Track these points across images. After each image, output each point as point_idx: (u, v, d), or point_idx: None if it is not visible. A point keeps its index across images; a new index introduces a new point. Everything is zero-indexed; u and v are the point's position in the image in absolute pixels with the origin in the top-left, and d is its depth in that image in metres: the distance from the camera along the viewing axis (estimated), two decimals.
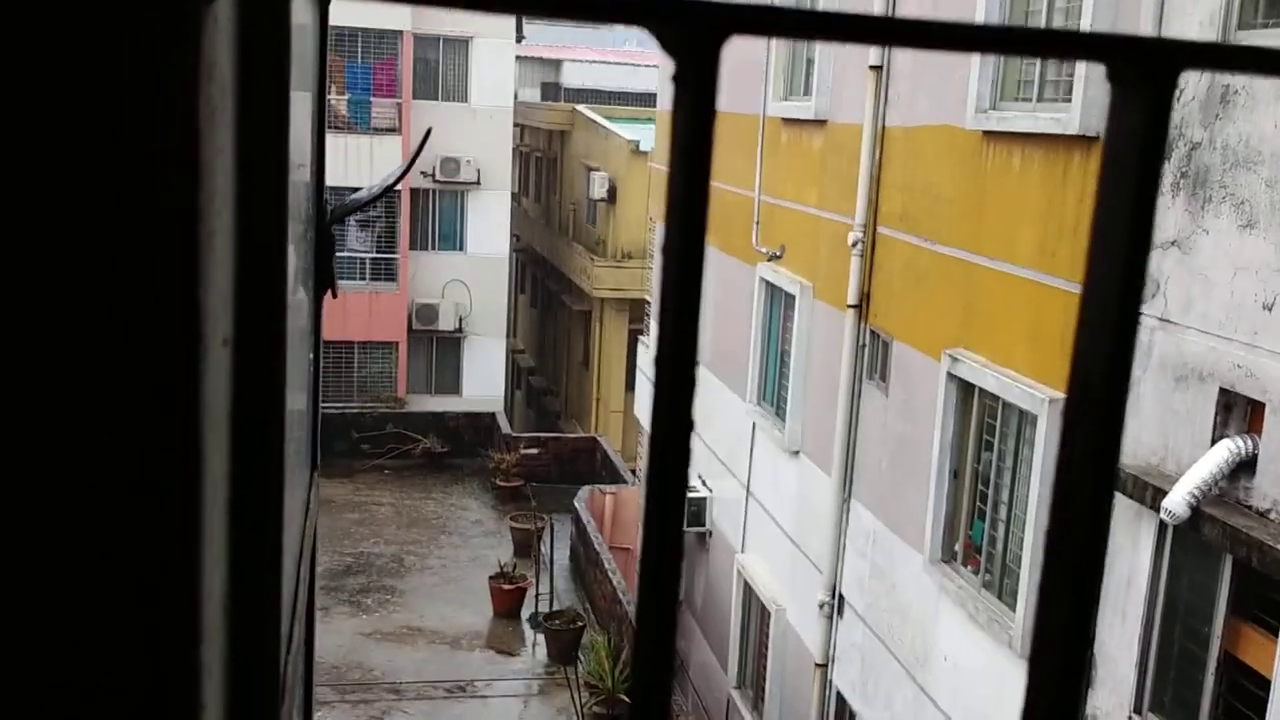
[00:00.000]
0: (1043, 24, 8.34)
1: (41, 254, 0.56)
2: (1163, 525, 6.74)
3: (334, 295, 1.92)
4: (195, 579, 0.64)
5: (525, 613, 17.95)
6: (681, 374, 0.47)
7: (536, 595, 17.75)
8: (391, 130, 25.75)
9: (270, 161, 0.86)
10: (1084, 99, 7.53)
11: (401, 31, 25.53)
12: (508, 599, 17.95)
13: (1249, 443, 6.25)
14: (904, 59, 10.23)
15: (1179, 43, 0.50)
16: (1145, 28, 7.01)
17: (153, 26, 0.55)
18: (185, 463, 0.62)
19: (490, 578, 18.24)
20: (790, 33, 0.48)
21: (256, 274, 0.85)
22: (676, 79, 0.44)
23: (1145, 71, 0.49)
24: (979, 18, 8.78)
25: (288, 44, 0.90)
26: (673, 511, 0.49)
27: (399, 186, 25.23)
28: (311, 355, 1.82)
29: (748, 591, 13.70)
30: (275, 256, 0.87)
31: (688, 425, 0.47)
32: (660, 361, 0.47)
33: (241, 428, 0.86)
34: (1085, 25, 7.55)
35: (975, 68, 8.86)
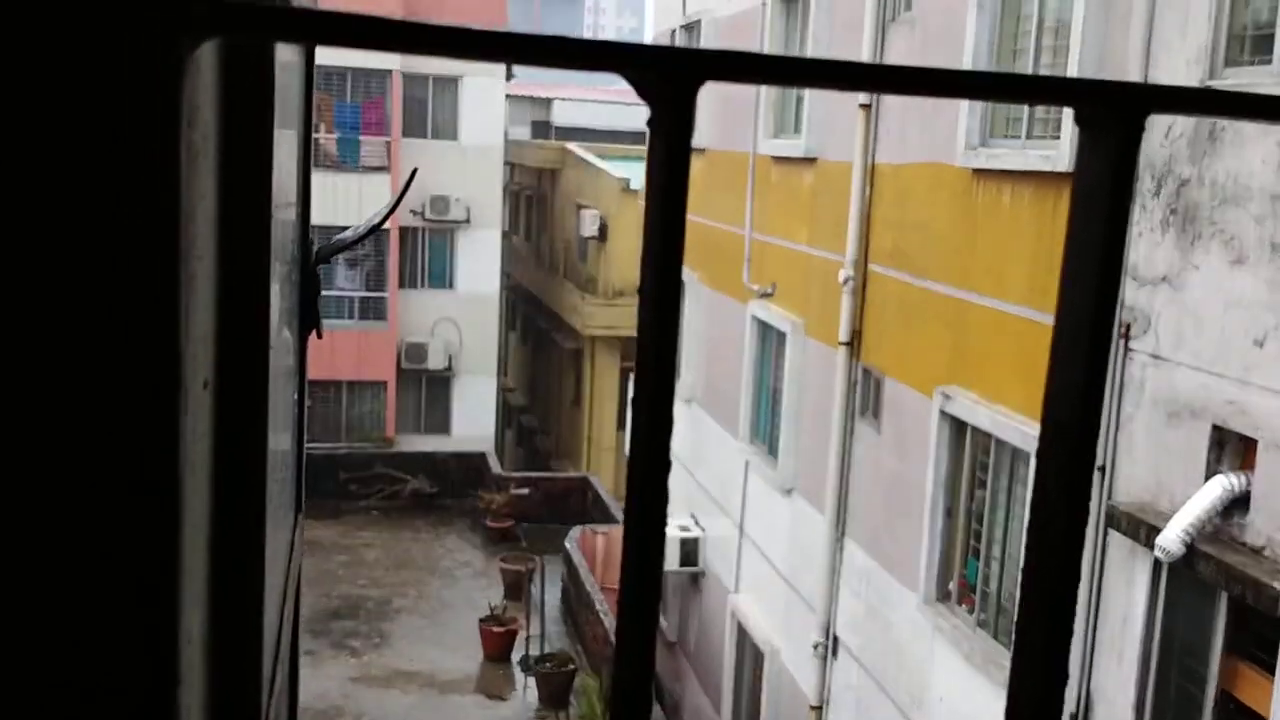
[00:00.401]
0: (1030, 62, 8.40)
1: (18, 298, 0.56)
2: (1158, 563, 6.71)
3: (319, 336, 1.89)
4: (173, 622, 0.63)
5: (516, 656, 17.80)
6: (659, 413, 0.48)
7: (527, 638, 17.61)
8: (381, 169, 25.82)
9: (253, 204, 0.84)
10: (1073, 136, 7.57)
11: (391, 70, 25.67)
12: (498, 642, 17.80)
13: (1242, 479, 6.24)
14: (893, 99, 10.29)
15: (1145, 86, 0.52)
16: (1133, 65, 7.07)
17: (135, 73, 0.55)
18: (163, 506, 0.62)
19: (480, 620, 18.10)
20: (761, 78, 0.50)
21: (239, 316, 0.82)
22: (651, 124, 0.46)
23: (1112, 115, 0.50)
24: (967, 56, 8.84)
25: (271, 89, 0.88)
26: (652, 553, 0.49)
27: (387, 225, 25.28)
28: (296, 396, 1.79)
29: (741, 632, 13.60)
30: (258, 298, 0.85)
31: (665, 463, 0.50)
32: (638, 401, 0.48)
33: (223, 470, 0.83)
34: (1073, 62, 7.61)
35: (964, 105, 8.91)
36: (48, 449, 0.57)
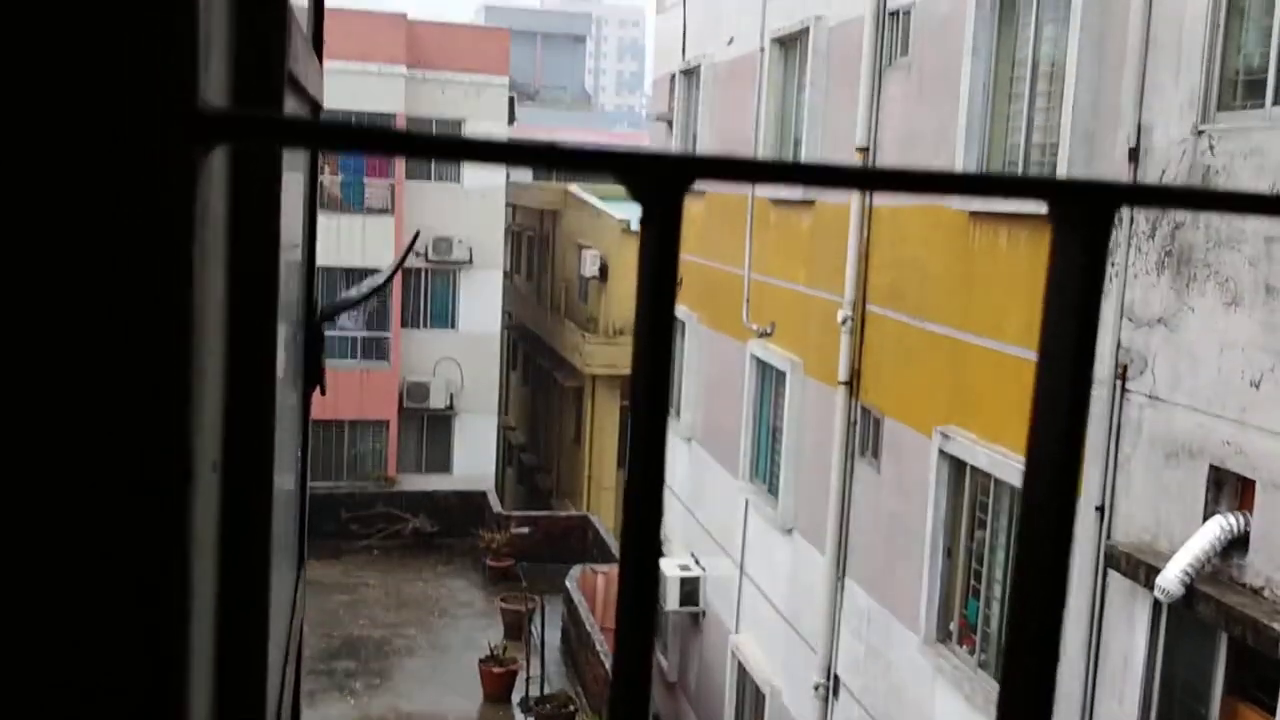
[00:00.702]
0: (1025, 106, 8.48)
1: (32, 395, 0.57)
2: (1157, 603, 6.70)
3: (323, 393, 1.93)
4: (181, 701, 0.63)
5: (516, 696, 17.70)
6: (649, 518, 0.49)
7: (527, 678, 17.52)
8: (384, 211, 25.96)
9: (260, 285, 0.87)
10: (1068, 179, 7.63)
11: (395, 114, 25.86)
12: (498, 682, 17.70)
13: (1240, 519, 6.25)
14: (890, 140, 10.38)
15: (1115, 184, 0.54)
16: (1126, 109, 7.14)
17: (146, 183, 0.56)
18: (171, 592, 0.63)
19: (480, 660, 18.01)
20: (744, 178, 0.53)
21: (246, 398, 0.86)
22: (643, 222, 0.48)
23: (1083, 210, 0.52)
24: (963, 99, 8.93)
25: (278, 191, 0.92)
26: (647, 590, 0.51)
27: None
28: (299, 453, 1.83)
29: (742, 673, 13.53)
30: (264, 381, 0.88)
31: (656, 554, 0.49)
32: (629, 493, 0.49)
33: (229, 547, 0.86)
34: (1067, 106, 7.69)
35: (960, 148, 8.99)
36: (60, 539, 0.58)
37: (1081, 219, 0.52)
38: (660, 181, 0.49)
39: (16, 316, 0.56)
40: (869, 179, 0.55)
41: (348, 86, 24.70)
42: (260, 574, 0.93)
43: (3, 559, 0.58)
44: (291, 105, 1.30)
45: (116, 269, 0.57)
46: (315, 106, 1.77)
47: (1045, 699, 0.52)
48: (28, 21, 0.54)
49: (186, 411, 0.59)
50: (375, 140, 0.59)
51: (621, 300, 25.84)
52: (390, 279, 2.59)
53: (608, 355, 25.77)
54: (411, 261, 26.23)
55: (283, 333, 1.61)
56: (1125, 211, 7.10)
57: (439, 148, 0.54)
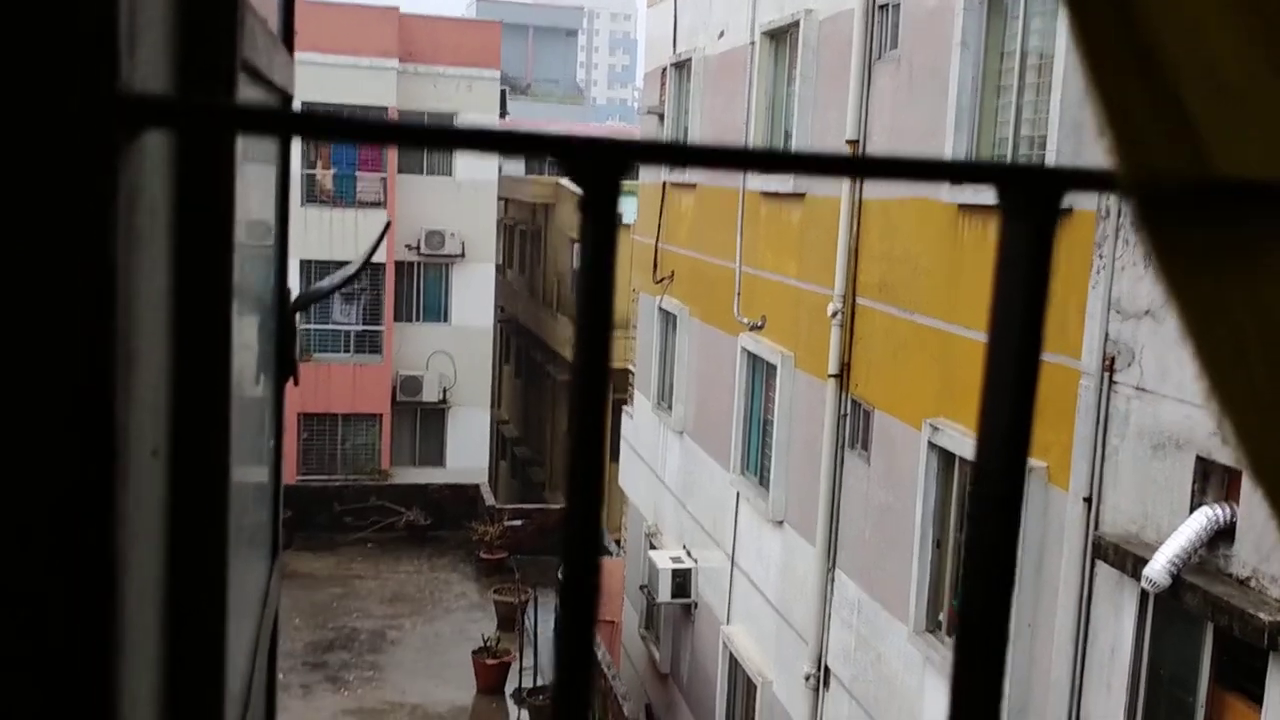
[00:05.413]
0: (1014, 98, 8.49)
1: None
2: (1144, 594, 6.73)
3: (295, 383, 1.93)
4: (110, 696, 0.61)
5: (509, 688, 17.74)
6: (589, 497, 0.50)
7: (520, 670, 17.55)
8: (377, 204, 25.92)
9: (211, 275, 0.88)
10: None
11: (386, 108, 25.81)
12: (491, 674, 17.74)
13: (1227, 510, 6.27)
14: (880, 132, 10.39)
15: (1062, 170, 0.54)
16: None
17: (66, 169, 0.56)
18: (99, 581, 0.61)
19: (474, 652, 18.04)
20: (678, 161, 0.54)
21: (196, 384, 0.86)
22: (582, 206, 0.50)
23: (1031, 196, 0.52)
24: (951, 92, 8.94)
25: (230, 177, 0.92)
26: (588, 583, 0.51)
27: (383, 259, 25.36)
28: (273, 442, 1.83)
29: (733, 664, 13.57)
30: (216, 369, 0.88)
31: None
32: (570, 477, 0.50)
33: (181, 537, 0.87)
34: (1055, 99, 7.70)
35: (949, 140, 9.00)
36: None
37: (1029, 205, 0.52)
38: (598, 165, 0.49)
39: None
40: (817, 164, 0.56)
41: (340, 80, 24.65)
42: (216, 563, 0.93)
43: None
44: (252, 95, 1.29)
45: (28, 249, 0.56)
46: (285, 98, 1.77)
47: (995, 672, 0.53)
48: None
49: (109, 390, 0.59)
50: (299, 125, 0.59)
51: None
52: (361, 269, 2.59)
53: None
54: (404, 255, 26.22)
55: (251, 322, 1.61)
56: (1115, 203, 7.11)
57: (367, 131, 0.54)
